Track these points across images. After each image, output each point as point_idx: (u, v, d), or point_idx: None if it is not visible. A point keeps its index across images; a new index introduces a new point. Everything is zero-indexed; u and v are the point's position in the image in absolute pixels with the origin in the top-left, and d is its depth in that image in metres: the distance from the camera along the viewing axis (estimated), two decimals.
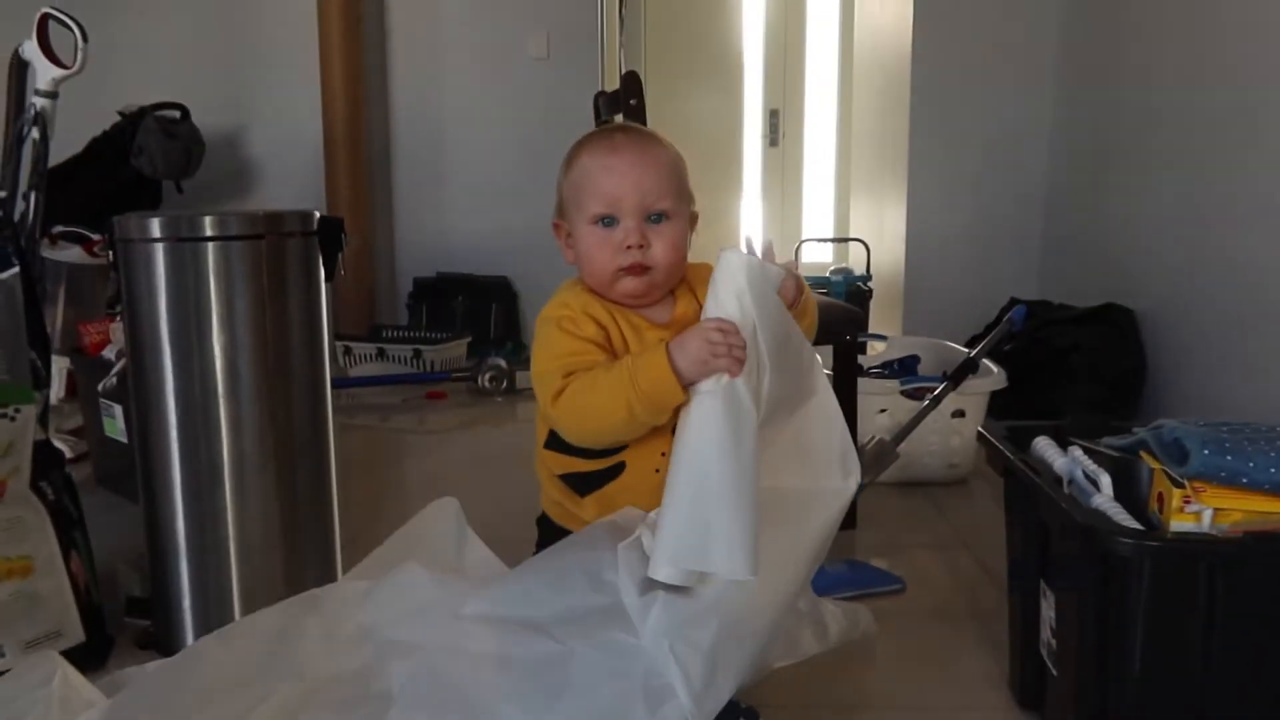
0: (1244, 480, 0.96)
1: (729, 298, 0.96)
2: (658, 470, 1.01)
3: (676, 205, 1.04)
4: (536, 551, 1.08)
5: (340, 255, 1.47)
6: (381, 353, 3.39)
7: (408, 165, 3.94)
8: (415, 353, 3.35)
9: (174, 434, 1.35)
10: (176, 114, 3.44)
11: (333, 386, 1.52)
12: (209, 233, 1.32)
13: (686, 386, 0.95)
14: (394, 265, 3.97)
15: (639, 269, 1.02)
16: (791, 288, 1.03)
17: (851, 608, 1.29)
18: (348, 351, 3.40)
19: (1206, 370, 2.28)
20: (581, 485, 1.05)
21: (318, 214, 1.44)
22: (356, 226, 3.57)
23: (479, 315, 3.73)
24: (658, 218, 1.03)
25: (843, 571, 1.65)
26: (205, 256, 1.32)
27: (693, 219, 1.08)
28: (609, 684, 0.92)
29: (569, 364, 1.00)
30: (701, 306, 1.05)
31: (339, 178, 3.67)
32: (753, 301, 0.96)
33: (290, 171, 3.83)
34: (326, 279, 1.46)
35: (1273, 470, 0.95)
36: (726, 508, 0.91)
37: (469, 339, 3.52)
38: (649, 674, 0.91)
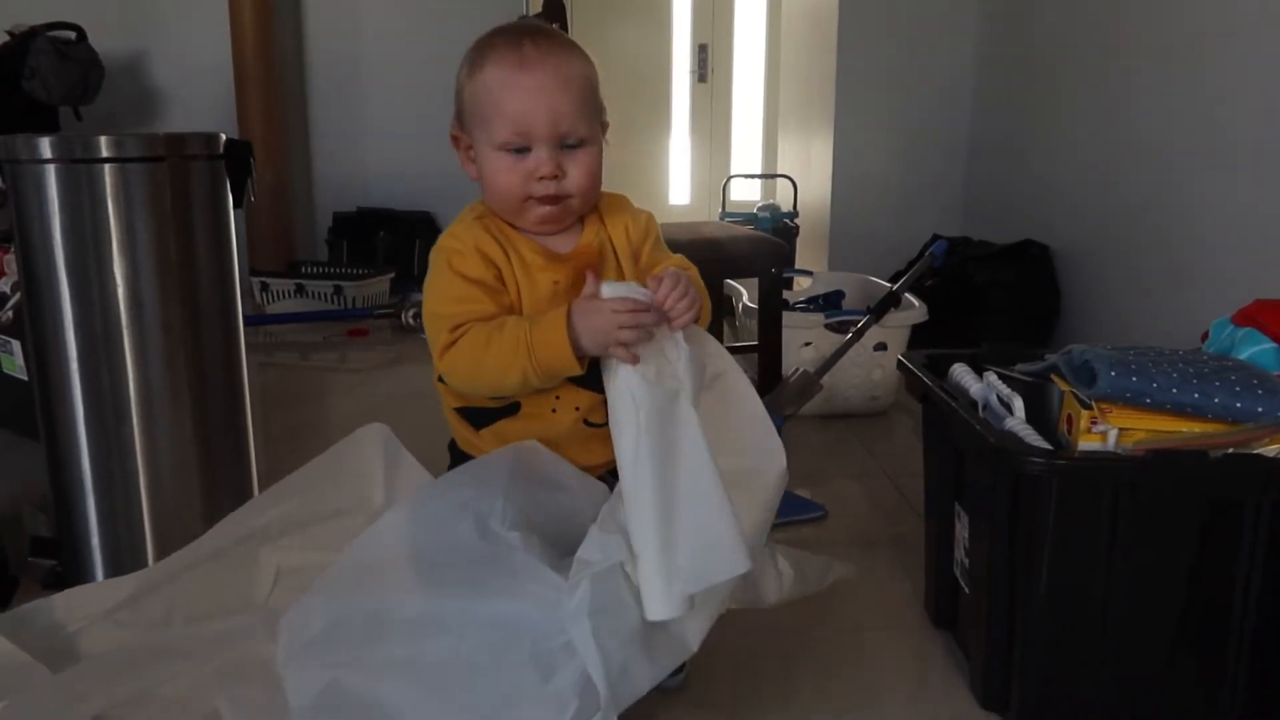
0: (1147, 400, 0.99)
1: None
2: (553, 410, 0.99)
3: (592, 128, 0.98)
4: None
5: (250, 181, 1.41)
6: (300, 289, 3.30)
7: (324, 96, 3.80)
8: (336, 289, 3.27)
9: (74, 366, 1.30)
10: (71, 35, 3.24)
11: (250, 324, 1.47)
12: (105, 154, 1.25)
13: (583, 359, 0.92)
14: (312, 200, 3.85)
15: (554, 199, 0.98)
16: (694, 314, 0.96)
17: (823, 560, 1.30)
18: (265, 288, 3.30)
19: (1116, 303, 2.35)
20: (477, 419, 1.03)
21: (224, 137, 1.37)
22: (271, 160, 3.44)
23: (401, 251, 3.65)
24: (574, 144, 0.97)
25: None
26: (102, 180, 1.26)
27: (605, 127, 1.03)
28: (500, 665, 0.89)
29: (456, 314, 0.96)
30: (610, 239, 1.03)
31: (251, 107, 3.52)
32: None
33: (198, 100, 3.66)
34: (235, 206, 1.40)
35: (1174, 390, 0.99)
36: (709, 512, 0.89)
37: (391, 275, 3.45)
38: (536, 640, 0.88)
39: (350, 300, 3.27)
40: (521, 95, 0.95)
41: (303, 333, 3.11)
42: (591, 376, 0.97)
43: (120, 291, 1.28)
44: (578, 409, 0.99)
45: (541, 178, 0.96)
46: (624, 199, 1.08)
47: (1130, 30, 2.30)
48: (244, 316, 1.46)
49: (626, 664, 0.87)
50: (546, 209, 0.98)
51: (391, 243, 3.65)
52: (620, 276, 1.02)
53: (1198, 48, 2.03)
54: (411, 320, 3.04)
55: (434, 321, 0.98)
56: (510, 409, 1.00)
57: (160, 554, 1.36)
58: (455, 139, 1.03)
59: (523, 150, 0.96)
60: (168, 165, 1.30)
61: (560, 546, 0.92)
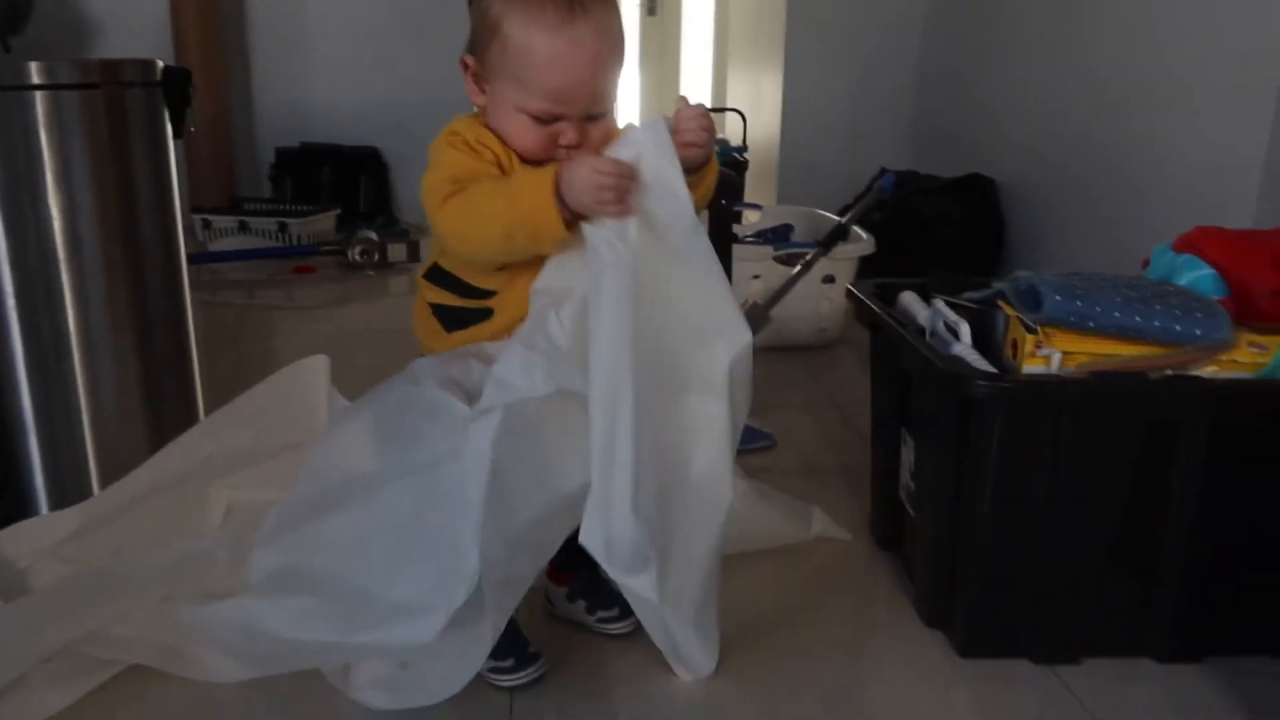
0: (1090, 324, 1.01)
1: (626, 153, 0.91)
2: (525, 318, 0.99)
3: (615, 96, 0.97)
4: None
5: (189, 111, 1.37)
6: (244, 226, 3.22)
7: (265, 25, 3.67)
8: (280, 226, 3.20)
9: (12, 303, 1.26)
10: None
11: (193, 261, 1.44)
12: (36, 80, 1.21)
13: (569, 221, 0.90)
14: (253, 134, 3.74)
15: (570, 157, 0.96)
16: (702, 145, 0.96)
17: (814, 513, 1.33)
18: (207, 225, 3.22)
19: (1061, 235, 2.40)
20: (449, 320, 1.02)
21: (161, 64, 1.32)
22: (210, 92, 3.33)
23: (347, 187, 3.57)
24: (597, 116, 0.96)
25: None
26: (34, 108, 1.21)
27: None
28: (428, 510, 0.89)
29: (459, 173, 0.94)
30: None
31: (187, 37, 3.39)
32: (651, 165, 0.90)
33: (133, 30, 3.51)
34: (175, 136, 1.36)
35: (1116, 314, 1.01)
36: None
37: (337, 212, 3.38)
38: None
39: (295, 237, 3.20)
40: (568, 75, 0.91)
41: (247, 271, 3.05)
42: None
43: (57, 225, 1.25)
44: None
45: (566, 146, 0.95)
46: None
47: None
48: (186, 254, 1.42)
49: (521, 533, 0.88)
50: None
51: (336, 179, 3.57)
52: None
53: None
54: (358, 257, 2.99)
55: (432, 190, 0.95)
56: (483, 313, 1.00)
57: (105, 487, 1.34)
58: (465, 65, 0.99)
59: (550, 120, 0.94)
60: (102, 93, 1.25)
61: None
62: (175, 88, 1.34)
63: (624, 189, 0.88)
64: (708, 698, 1.01)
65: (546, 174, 0.90)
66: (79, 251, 1.26)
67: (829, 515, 1.34)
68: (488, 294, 1.00)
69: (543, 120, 0.94)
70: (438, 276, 1.02)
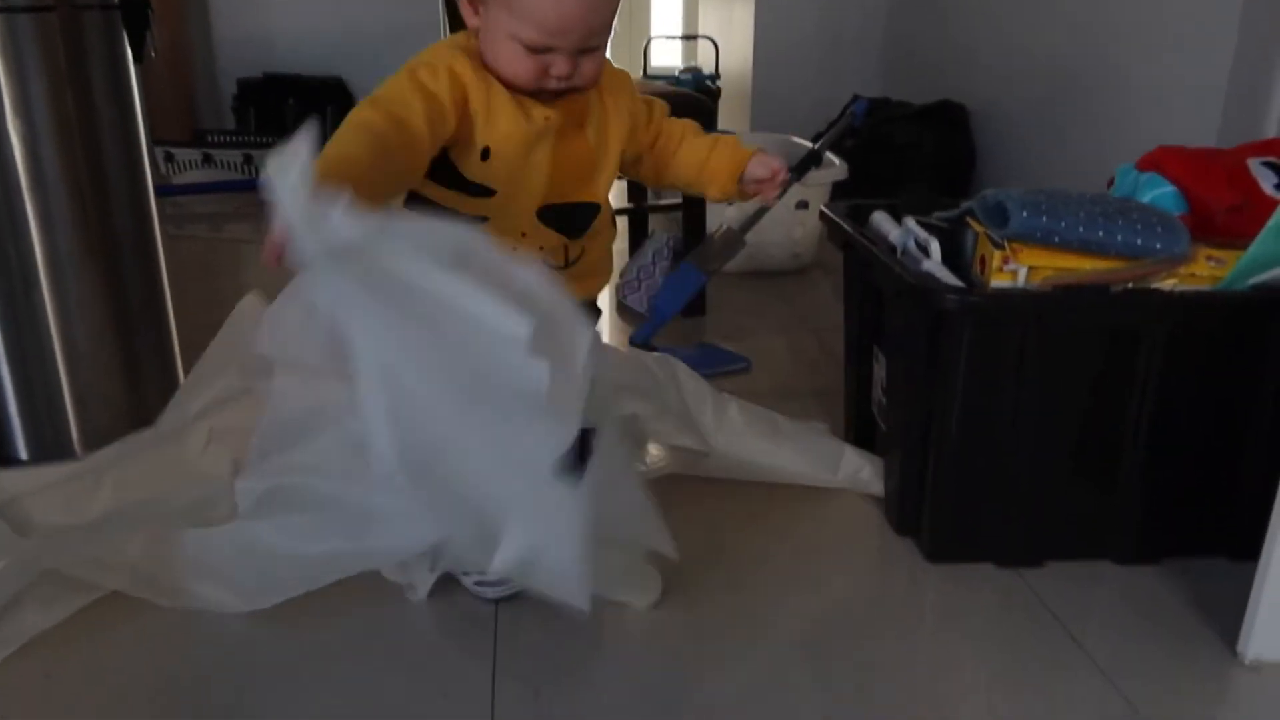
0: (1056, 239, 1.03)
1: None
2: (523, 234, 1.00)
3: (610, 30, 0.96)
4: None
5: (149, 35, 1.34)
6: (208, 159, 3.16)
7: None
8: (245, 158, 3.14)
9: None
10: None
11: (157, 194, 1.42)
12: None
13: None
14: (214, 65, 3.64)
15: (561, 91, 0.96)
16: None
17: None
18: (170, 158, 3.16)
19: (1030, 162, 2.41)
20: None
21: None
22: (167, 19, 3.23)
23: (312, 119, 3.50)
24: (591, 49, 0.95)
25: (694, 354, 1.71)
26: None
27: None
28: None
29: (376, 97, 0.90)
30: (607, 106, 1.02)
31: None
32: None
33: None
34: (135, 60, 1.33)
35: (1081, 229, 1.03)
36: None
37: None
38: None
39: (261, 170, 3.14)
40: (562, 8, 0.90)
41: (214, 204, 3.00)
42: (560, 215, 0.99)
43: (18, 153, 1.22)
44: (541, 248, 1.00)
45: (558, 77, 0.94)
46: (626, 76, 1.07)
47: None
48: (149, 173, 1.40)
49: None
50: (549, 95, 0.96)
51: (301, 110, 3.49)
52: (611, 124, 1.03)
53: None
54: None
55: (391, 85, 0.93)
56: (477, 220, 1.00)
57: (82, 424, 1.34)
58: None
59: (544, 50, 0.92)
60: (58, 15, 1.22)
61: None
62: (134, 11, 1.31)
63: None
64: (684, 601, 1.05)
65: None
66: (42, 179, 1.24)
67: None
68: (479, 220, 0.98)
69: (535, 50, 0.92)
70: (443, 177, 0.98)
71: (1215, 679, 0.95)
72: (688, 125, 1.12)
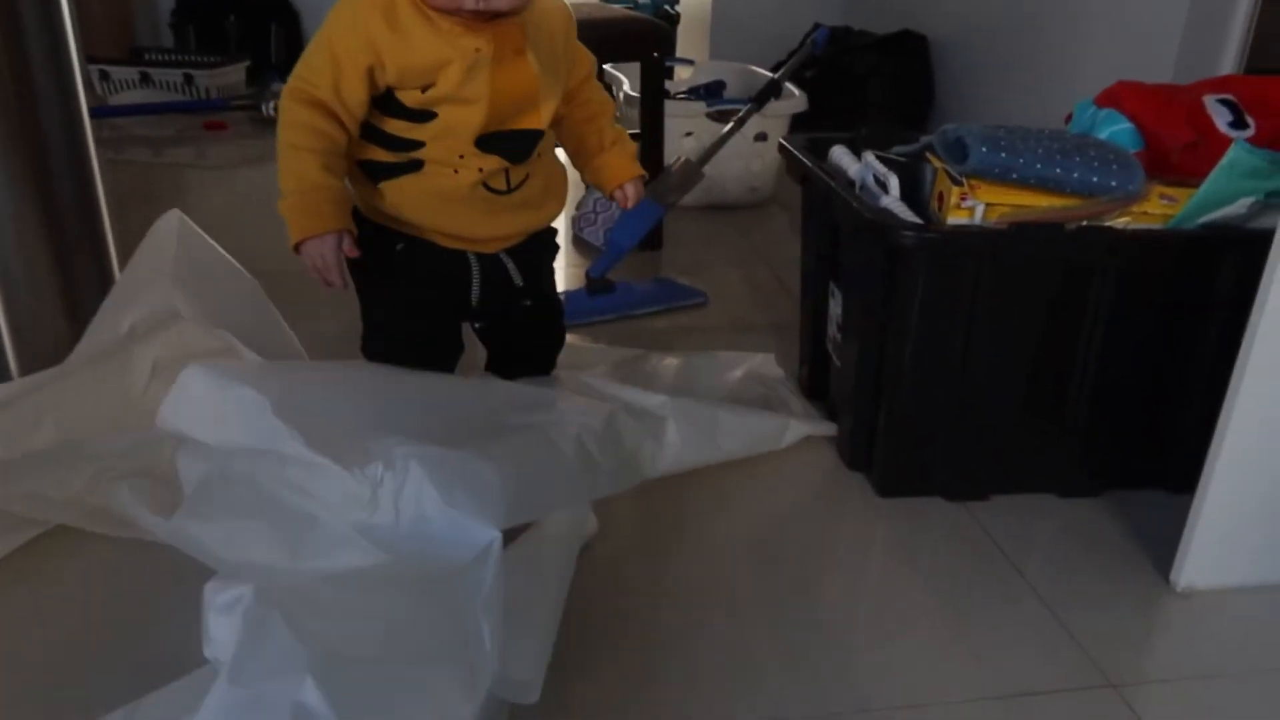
0: (1014, 176, 1.03)
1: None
2: (455, 171, 0.97)
3: None
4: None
5: None
6: (146, 78, 3.03)
7: None
8: (186, 78, 3.02)
9: None
10: None
11: (93, 116, 1.35)
12: None
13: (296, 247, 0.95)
14: None
15: (488, 11, 0.91)
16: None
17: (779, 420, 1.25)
18: (105, 77, 3.02)
19: (989, 92, 2.40)
20: (375, 173, 1.00)
21: None
22: None
23: (257, 37, 3.37)
24: None
25: (650, 288, 1.70)
26: None
27: None
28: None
29: (309, 87, 0.93)
30: (538, 15, 0.97)
31: None
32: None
33: None
34: None
35: (1039, 166, 1.03)
36: None
37: (247, 64, 3.20)
38: None
39: (204, 90, 3.03)
40: None
41: (154, 126, 2.88)
42: (501, 141, 0.97)
43: None
44: (480, 170, 0.98)
45: None
46: (569, 14, 1.04)
47: None
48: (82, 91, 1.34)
49: None
50: (473, 16, 0.92)
51: (244, 28, 3.37)
52: (551, 50, 0.99)
53: None
54: (273, 112, 2.85)
55: (296, 72, 0.95)
56: (413, 165, 0.98)
57: (20, 353, 1.30)
58: None
59: None
60: None
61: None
62: None
63: (326, 280, 0.96)
64: (632, 534, 1.05)
65: (306, 213, 0.94)
66: None
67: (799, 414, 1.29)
68: (414, 145, 0.97)
69: None
70: (365, 132, 0.98)
71: (1149, 606, 0.99)
72: (605, 105, 1.11)
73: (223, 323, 1.08)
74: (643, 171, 1.12)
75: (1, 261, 1.26)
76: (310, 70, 0.94)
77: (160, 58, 3.16)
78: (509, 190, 1.01)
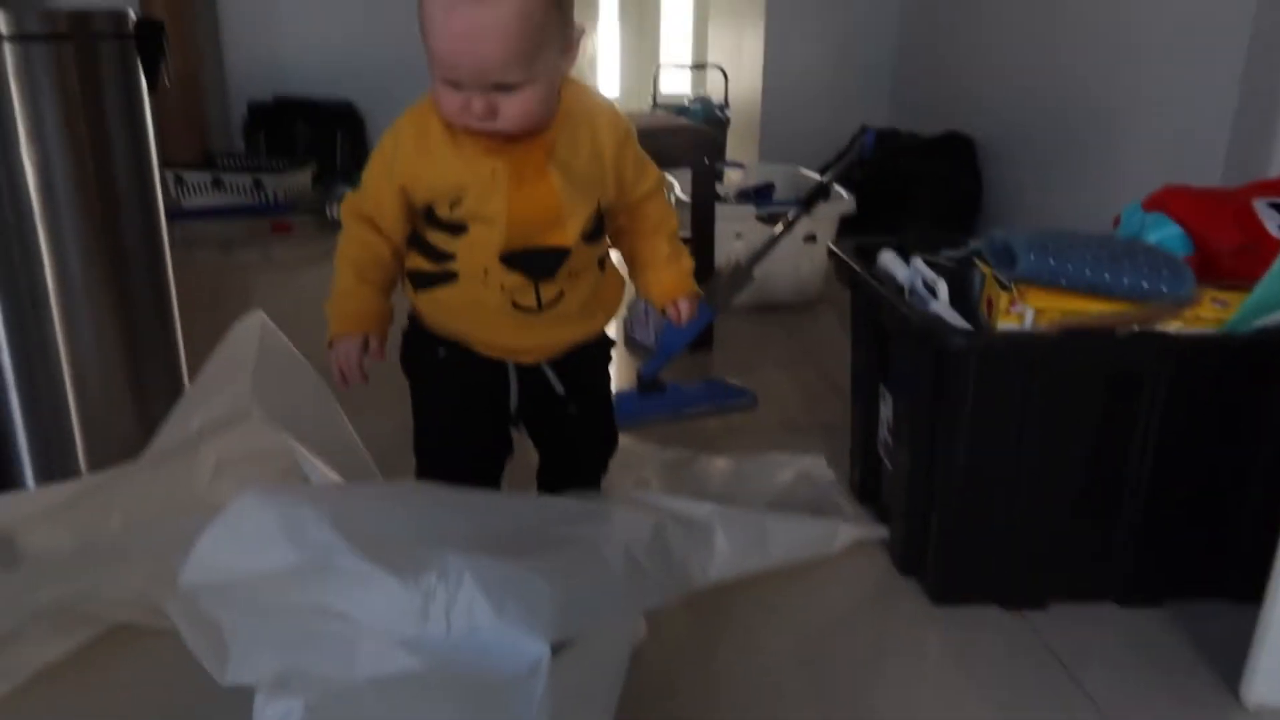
0: (1063, 281, 1.04)
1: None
2: (485, 271, 0.99)
3: (529, 71, 0.90)
4: (405, 341, 1.07)
5: (164, 63, 1.35)
6: (218, 183, 3.18)
7: None
8: (255, 182, 3.16)
9: None
10: None
11: (167, 218, 1.43)
12: (4, 31, 1.18)
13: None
14: (224, 88, 3.67)
15: (490, 131, 0.94)
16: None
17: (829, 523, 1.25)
18: (180, 181, 3.17)
19: (1036, 193, 2.42)
20: (416, 281, 1.04)
21: (133, 14, 1.31)
22: (179, 44, 3.25)
23: (323, 143, 3.53)
24: (507, 88, 0.90)
25: (701, 389, 1.71)
26: (2, 59, 1.19)
27: (573, 41, 0.96)
28: None
29: (359, 202, 1.01)
30: (578, 136, 0.99)
31: None
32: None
33: None
34: (150, 89, 1.35)
35: (1088, 271, 1.03)
36: None
37: (313, 168, 3.35)
38: None
39: (271, 194, 3.17)
40: (450, 41, 0.89)
41: (223, 228, 3.02)
42: (524, 259, 0.98)
43: (31, 179, 1.24)
44: (504, 288, 1.00)
45: (475, 116, 0.92)
46: (606, 102, 1.04)
47: None
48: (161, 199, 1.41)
49: None
50: (488, 135, 0.95)
51: (312, 134, 3.53)
52: (586, 170, 1.00)
53: None
54: (336, 215, 2.96)
55: (352, 193, 1.03)
56: (448, 276, 1.01)
57: (90, 450, 1.35)
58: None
59: (458, 85, 0.91)
60: (73, 44, 1.24)
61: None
62: (149, 40, 1.32)
63: (344, 377, 1.01)
64: (685, 638, 1.04)
65: (337, 315, 1.02)
66: (54, 206, 1.26)
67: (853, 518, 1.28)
68: (448, 257, 1.00)
69: (452, 84, 0.91)
70: (414, 239, 1.03)
71: None
72: (665, 220, 1.10)
73: (291, 421, 1.10)
74: (697, 289, 1.12)
75: (77, 364, 1.32)
76: (362, 187, 1.02)
77: (231, 162, 3.32)
78: (539, 308, 1.01)
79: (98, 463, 1.33)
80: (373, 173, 1.00)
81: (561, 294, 1.02)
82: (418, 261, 1.03)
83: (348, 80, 3.56)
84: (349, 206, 1.02)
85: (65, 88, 1.23)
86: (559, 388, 1.08)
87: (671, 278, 1.11)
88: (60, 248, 1.27)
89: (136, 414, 1.37)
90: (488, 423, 1.09)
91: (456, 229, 0.99)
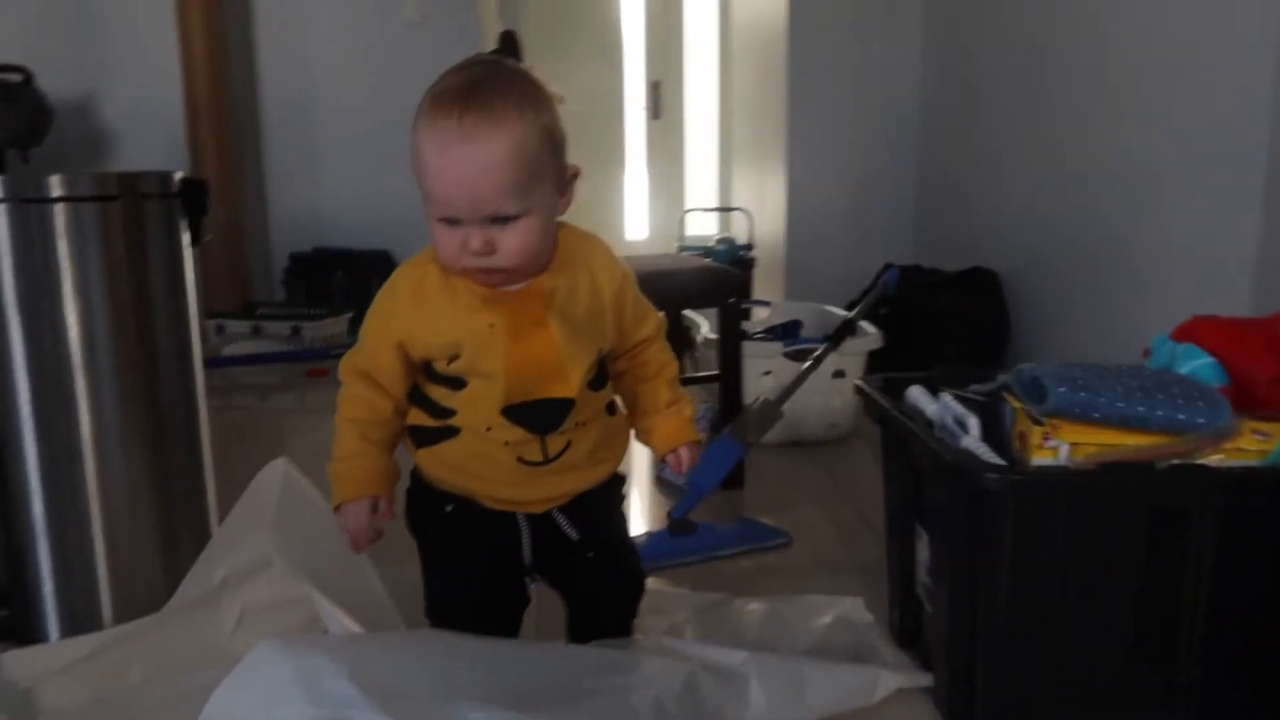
0: (1096, 415, 1.02)
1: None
2: (489, 428, 0.98)
3: (526, 203, 0.91)
4: (409, 499, 1.05)
5: (205, 220, 1.41)
6: (257, 330, 3.27)
7: (278, 135, 3.80)
8: (293, 329, 3.24)
9: (26, 410, 1.28)
10: (18, 77, 3.22)
11: (206, 366, 1.46)
12: (56, 193, 1.25)
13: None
14: (268, 240, 3.83)
15: (488, 269, 0.93)
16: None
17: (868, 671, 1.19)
18: (221, 329, 3.27)
19: (1064, 325, 2.41)
20: (418, 438, 1.03)
21: (179, 175, 1.37)
22: (225, 199, 3.43)
23: (359, 290, 3.62)
24: (504, 220, 0.91)
25: (733, 529, 1.68)
26: (53, 219, 1.25)
27: (569, 179, 0.97)
28: None
29: (357, 359, 1.01)
30: (576, 283, 0.99)
31: (204, 148, 3.50)
32: None
33: (149, 142, 3.64)
34: (192, 244, 1.40)
35: (1121, 404, 1.01)
36: None
37: (350, 315, 3.43)
38: None
39: (308, 340, 3.24)
40: (442, 176, 0.91)
41: (261, 374, 3.08)
42: (527, 412, 0.97)
43: (73, 333, 1.27)
44: (508, 443, 0.98)
45: (473, 253, 0.93)
46: (602, 246, 1.04)
47: (1057, 67, 2.39)
48: (201, 359, 1.44)
49: None
50: (485, 275, 0.95)
51: (349, 282, 3.64)
52: (586, 316, 1.00)
53: (1120, 81, 2.11)
54: None
55: (351, 351, 1.03)
56: (449, 431, 1.00)
57: (116, 602, 1.34)
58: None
59: (455, 222, 0.92)
60: (121, 204, 1.29)
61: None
62: (193, 197, 1.38)
63: (357, 541, 1.00)
64: None
65: (343, 480, 1.00)
66: (94, 358, 1.29)
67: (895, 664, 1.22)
68: (449, 413, 0.99)
69: (448, 222, 0.93)
70: (414, 394, 1.02)
71: None
72: (666, 367, 1.10)
73: (313, 569, 1.09)
74: (698, 436, 1.11)
75: (109, 513, 1.32)
76: (359, 343, 1.01)
77: (271, 310, 3.42)
78: (546, 461, 1.00)
79: (123, 612, 1.32)
80: (370, 329, 1.00)
81: (569, 444, 1.00)
82: (419, 417, 1.02)
83: (384, 230, 3.69)
84: (348, 365, 1.01)
85: (111, 245, 1.28)
86: (572, 534, 1.05)
87: (672, 426, 1.09)
88: (98, 398, 1.30)
89: (164, 563, 1.37)
90: (500, 577, 1.05)
91: (456, 384, 0.98)
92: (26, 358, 1.26)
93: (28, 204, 1.24)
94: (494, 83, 0.92)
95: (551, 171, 0.95)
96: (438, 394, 1.00)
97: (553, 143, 0.94)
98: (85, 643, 1.22)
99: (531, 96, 0.93)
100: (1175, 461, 1.02)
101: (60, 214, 1.25)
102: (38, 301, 1.25)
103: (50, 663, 1.16)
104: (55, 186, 1.25)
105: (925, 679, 1.18)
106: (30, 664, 1.17)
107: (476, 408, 0.97)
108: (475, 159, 0.90)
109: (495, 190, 0.90)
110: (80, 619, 1.32)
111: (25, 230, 1.24)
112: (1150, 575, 1.01)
